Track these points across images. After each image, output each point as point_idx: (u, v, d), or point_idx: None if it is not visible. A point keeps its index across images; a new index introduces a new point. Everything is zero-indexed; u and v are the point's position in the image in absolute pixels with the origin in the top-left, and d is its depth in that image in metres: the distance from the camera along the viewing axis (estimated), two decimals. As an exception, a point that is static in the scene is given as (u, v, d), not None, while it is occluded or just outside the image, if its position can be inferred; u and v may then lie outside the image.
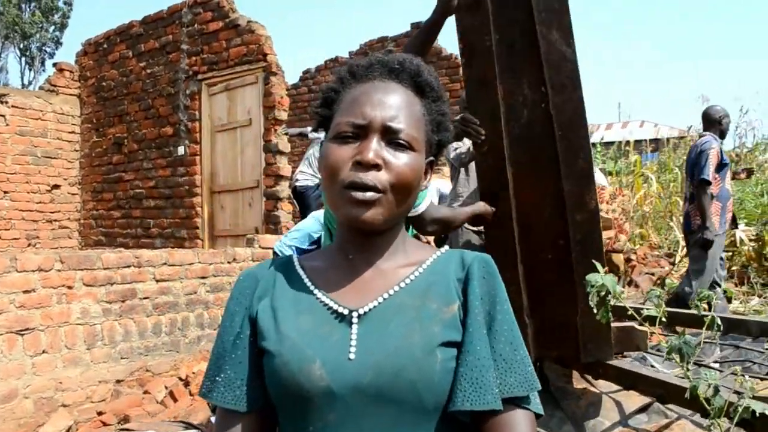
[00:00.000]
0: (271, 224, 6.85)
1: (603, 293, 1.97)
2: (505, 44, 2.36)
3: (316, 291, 0.97)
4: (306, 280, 0.99)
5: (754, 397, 1.93)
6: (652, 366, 3.38)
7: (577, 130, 2.35)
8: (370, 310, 0.92)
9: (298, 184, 7.24)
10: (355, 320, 0.91)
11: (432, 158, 1.03)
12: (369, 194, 0.90)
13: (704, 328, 2.03)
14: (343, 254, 1.00)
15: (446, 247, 1.05)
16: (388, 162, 0.92)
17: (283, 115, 6.95)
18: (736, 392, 2.05)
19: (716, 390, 1.96)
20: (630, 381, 2.55)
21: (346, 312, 0.92)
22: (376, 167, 0.91)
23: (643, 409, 2.80)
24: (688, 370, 1.99)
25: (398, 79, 0.98)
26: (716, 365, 3.31)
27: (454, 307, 0.92)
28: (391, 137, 0.93)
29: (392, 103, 0.95)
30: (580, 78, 2.36)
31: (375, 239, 0.98)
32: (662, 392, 2.41)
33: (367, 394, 0.86)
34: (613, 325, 2.58)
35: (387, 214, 0.92)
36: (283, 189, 6.88)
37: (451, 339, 0.90)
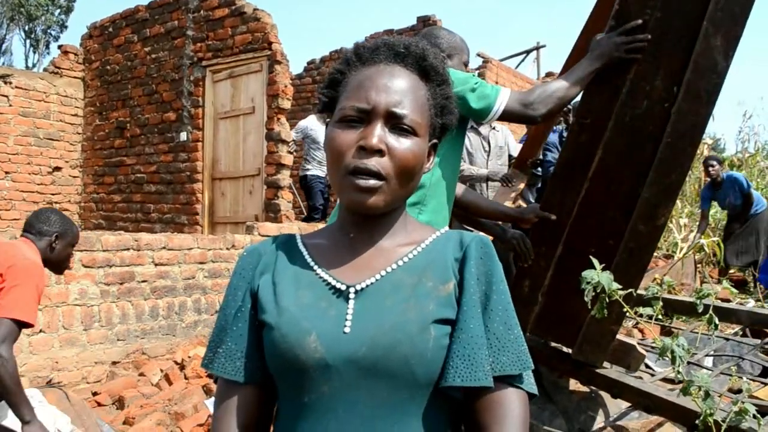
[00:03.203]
0: (271, 212, 6.86)
1: (599, 290, 1.97)
2: (662, 27, 2.14)
3: (316, 267, 0.99)
4: (307, 257, 1.01)
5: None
6: (646, 365, 3.40)
7: (687, 144, 2.18)
8: (367, 286, 0.94)
9: (309, 173, 7.44)
10: (352, 295, 0.93)
11: (435, 141, 1.05)
12: (372, 182, 0.92)
13: (701, 328, 2.03)
14: (345, 233, 1.02)
15: (446, 228, 1.07)
16: (391, 147, 0.93)
17: (287, 104, 6.95)
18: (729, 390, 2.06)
19: (707, 394, 1.96)
20: (617, 390, 2.55)
21: (343, 287, 0.94)
22: (380, 153, 0.92)
23: (634, 407, 2.81)
24: (679, 372, 2.00)
25: (403, 63, 0.99)
26: (708, 360, 3.32)
27: (450, 286, 0.94)
28: (394, 122, 0.94)
29: (397, 88, 0.96)
30: (718, 96, 2.15)
31: (376, 219, 1.00)
32: (649, 403, 2.42)
33: (360, 367, 0.87)
34: (617, 336, 2.58)
35: (389, 199, 0.94)
36: (284, 177, 6.88)
37: (445, 316, 0.91)
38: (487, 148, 4.47)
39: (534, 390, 0.93)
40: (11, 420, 2.42)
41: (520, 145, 5.24)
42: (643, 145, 2.22)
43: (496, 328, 0.92)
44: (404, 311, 0.90)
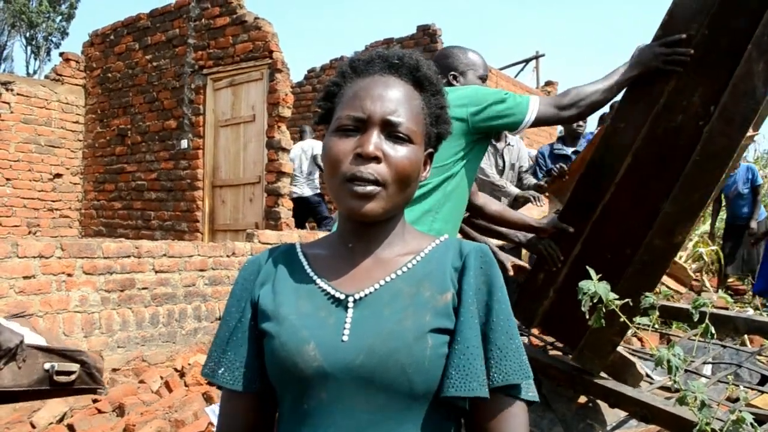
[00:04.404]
0: (272, 220, 6.87)
1: (596, 300, 1.98)
2: (708, 44, 2.10)
3: (315, 277, 1.00)
4: (307, 267, 1.03)
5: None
6: (646, 374, 3.41)
7: (715, 166, 2.11)
8: (366, 295, 0.96)
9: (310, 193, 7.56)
10: (350, 305, 0.95)
11: (431, 150, 1.06)
12: (369, 188, 0.93)
13: (698, 336, 2.04)
14: (344, 243, 1.03)
15: (446, 236, 1.08)
16: (387, 155, 0.95)
17: (287, 113, 6.98)
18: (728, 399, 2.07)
19: (703, 404, 1.97)
20: (614, 399, 2.56)
21: (342, 297, 0.96)
22: (376, 160, 0.94)
23: (631, 416, 2.82)
24: (675, 382, 2.01)
25: (398, 73, 1.01)
26: (707, 367, 3.33)
27: (448, 296, 0.95)
28: (390, 130, 0.96)
29: (392, 98, 0.98)
30: (752, 121, 2.08)
31: (374, 228, 1.01)
32: (646, 413, 2.43)
33: (358, 375, 0.89)
34: (619, 348, 2.60)
35: (386, 206, 0.96)
36: (285, 185, 6.91)
37: (442, 326, 0.92)
38: (501, 165, 4.46)
39: (535, 398, 0.95)
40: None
41: (531, 153, 5.19)
42: (672, 159, 2.18)
43: (498, 338, 0.94)
44: (401, 320, 0.91)
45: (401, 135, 0.96)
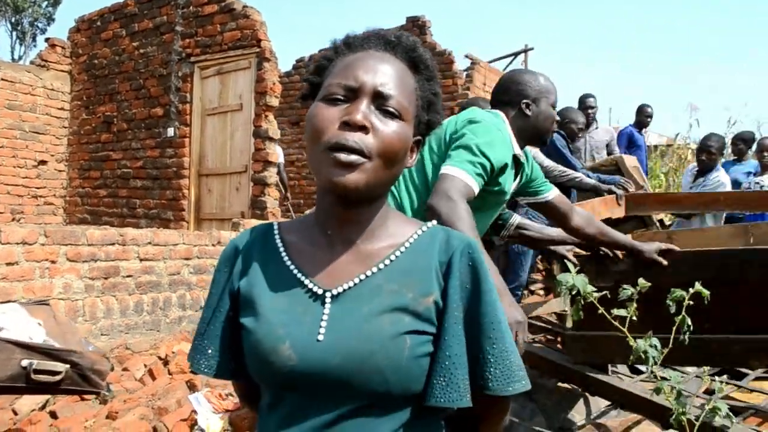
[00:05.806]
0: (258, 209, 6.86)
1: (574, 293, 2.00)
2: None
3: (293, 268, 0.96)
4: (284, 256, 0.98)
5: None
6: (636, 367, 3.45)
7: None
8: (344, 290, 0.92)
9: None
10: (328, 300, 0.91)
11: (419, 137, 1.02)
12: (353, 157, 0.87)
13: (674, 330, 2.07)
14: (322, 229, 0.98)
15: (434, 222, 1.03)
16: (375, 127, 0.90)
17: (275, 102, 6.95)
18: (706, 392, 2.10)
19: (679, 394, 2.01)
20: (594, 387, 2.60)
21: (320, 291, 0.92)
22: (364, 129, 0.88)
23: (613, 405, 2.86)
24: (652, 373, 2.05)
25: (393, 51, 0.98)
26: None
27: (430, 300, 0.91)
28: (381, 103, 0.92)
29: (385, 71, 0.94)
30: None
31: (355, 213, 0.96)
32: (625, 401, 2.47)
33: (334, 376, 0.86)
34: None
35: (369, 180, 0.89)
36: (271, 175, 6.89)
37: (421, 329, 0.90)
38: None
39: (523, 389, 0.93)
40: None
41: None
42: None
43: (485, 342, 0.92)
44: (380, 320, 0.88)
45: (391, 109, 0.92)
